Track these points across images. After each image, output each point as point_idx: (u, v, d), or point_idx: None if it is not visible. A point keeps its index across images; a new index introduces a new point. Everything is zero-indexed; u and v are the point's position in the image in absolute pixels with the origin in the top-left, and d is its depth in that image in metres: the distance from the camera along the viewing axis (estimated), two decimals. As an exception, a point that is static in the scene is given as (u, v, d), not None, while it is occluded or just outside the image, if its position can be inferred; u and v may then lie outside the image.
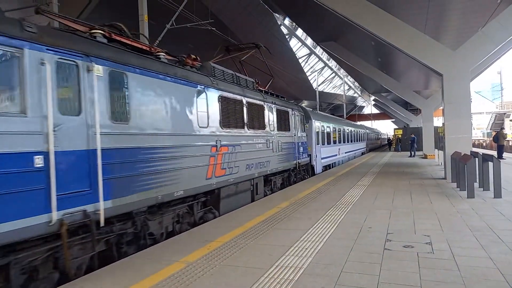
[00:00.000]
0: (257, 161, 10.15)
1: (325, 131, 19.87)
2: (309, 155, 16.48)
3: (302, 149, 14.79)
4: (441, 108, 14.39)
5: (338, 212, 7.77)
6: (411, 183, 12.26)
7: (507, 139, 28.49)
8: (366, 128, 44.45)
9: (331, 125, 21.75)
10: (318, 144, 17.94)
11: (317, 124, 18.03)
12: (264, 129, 10.83)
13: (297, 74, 38.23)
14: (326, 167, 20.13)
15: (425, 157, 25.56)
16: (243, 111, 9.49)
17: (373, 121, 76.64)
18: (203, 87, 7.70)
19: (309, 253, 5.03)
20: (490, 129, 64.54)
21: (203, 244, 5.59)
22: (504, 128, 27.33)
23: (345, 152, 26.03)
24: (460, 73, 12.27)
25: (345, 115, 46.49)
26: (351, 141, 29.36)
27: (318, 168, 17.89)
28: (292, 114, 13.75)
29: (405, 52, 13.03)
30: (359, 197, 9.58)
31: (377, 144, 55.99)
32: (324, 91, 53.85)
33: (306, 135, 16.12)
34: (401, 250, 5.09)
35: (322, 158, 18.71)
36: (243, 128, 9.41)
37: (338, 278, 4.11)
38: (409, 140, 29.73)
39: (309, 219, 7.15)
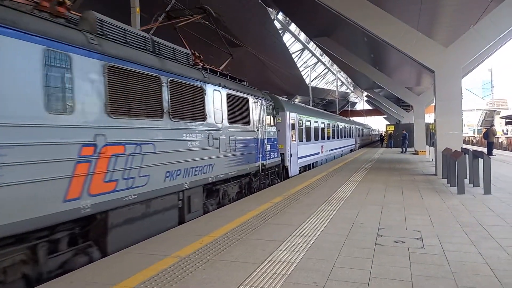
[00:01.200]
0: (189, 166, 7.33)
1: (304, 126, 17.46)
2: (282, 155, 14.09)
3: (270, 147, 12.22)
4: (433, 104, 14.51)
5: (330, 207, 7.80)
6: (402, 179, 12.35)
7: (496, 136, 28.89)
8: (356, 123, 43.15)
9: (312, 119, 19.32)
10: (294, 140, 15.55)
11: (293, 117, 15.62)
12: (203, 120, 7.98)
13: (290, 69, 38.19)
14: (306, 168, 17.89)
15: (416, 153, 25.80)
16: (161, 93, 6.58)
17: (365, 117, 77.02)
18: (65, 46, 4.80)
19: (302, 248, 5.05)
20: (480, 126, 65.29)
21: (196, 239, 5.58)
22: (494, 125, 27.64)
23: (330, 150, 23.79)
24: (452, 70, 12.36)
25: (337, 111, 46.59)
26: (338, 137, 27.21)
27: (293, 170, 15.36)
28: (254, 102, 11.01)
29: (397, 48, 13.07)
30: (351, 193, 9.63)
31: (368, 141, 55.31)
32: (317, 86, 53.95)
33: (279, 130, 13.81)
34: (393, 245, 5.13)
35: (299, 158, 16.31)
36: (160, 117, 6.53)
37: (330, 273, 4.13)
38: (400, 137, 29.98)
39: (302, 214, 7.17)
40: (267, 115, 12.31)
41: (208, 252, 4.96)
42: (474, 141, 45.88)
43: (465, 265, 4.30)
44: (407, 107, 50.82)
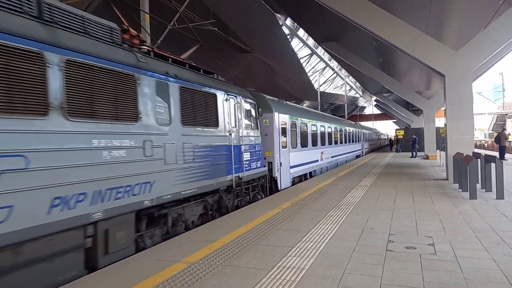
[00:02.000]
0: (104, 186, 5.20)
1: (299, 130, 15.12)
2: (270, 164, 12.19)
3: (250, 155, 10.06)
4: (443, 108, 14.37)
5: (340, 213, 7.74)
6: (413, 184, 12.22)
7: (508, 140, 28.46)
8: (363, 127, 39.99)
9: (310, 122, 16.95)
10: (285, 147, 13.21)
11: (283, 119, 13.22)
12: (134, 121, 5.87)
13: (298, 74, 38.22)
14: (302, 178, 15.57)
15: (427, 158, 25.54)
16: (44, 77, 4.43)
17: (374, 121, 76.59)
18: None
19: (311, 254, 5.01)
20: (492, 130, 64.41)
21: (205, 244, 5.57)
22: (506, 129, 27.26)
23: (332, 157, 21.32)
24: (463, 74, 12.24)
25: (346, 116, 46.36)
26: (342, 142, 24.84)
27: (284, 181, 12.94)
28: (225, 100, 8.85)
29: (406, 52, 13.00)
30: (361, 198, 9.55)
31: (377, 145, 52.91)
32: (326, 91, 53.84)
33: (266, 134, 12.05)
34: (404, 251, 5.06)
35: (292, 167, 13.95)
36: (44, 115, 4.41)
37: (341, 280, 4.09)
38: (410, 141, 29.71)
39: (311, 219, 7.13)
40: (248, 116, 10.20)
41: (217, 258, 4.95)
42: (486, 145, 45.27)
43: (478, 272, 4.22)
44: (417, 111, 50.46)
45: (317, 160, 17.87)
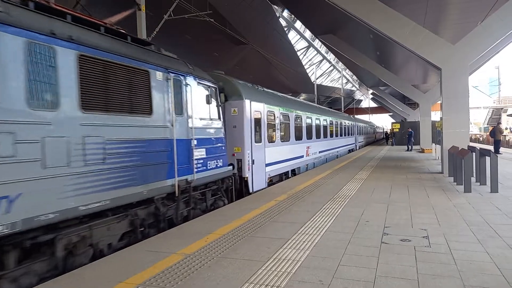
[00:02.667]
0: None
1: (279, 121, 12.96)
2: (240, 162, 10.26)
3: (206, 152, 8.17)
4: (439, 102, 14.41)
5: (335, 205, 7.78)
6: (408, 177, 12.29)
7: (503, 134, 28.62)
8: (357, 119, 37.85)
9: (293, 112, 14.70)
10: (259, 141, 11.14)
11: (257, 108, 11.05)
12: None
13: (295, 67, 38.14)
14: (283, 177, 13.49)
15: (422, 151, 25.65)
16: None
17: (370, 114, 76.72)
18: None
19: (307, 246, 5.04)
20: (487, 124, 64.74)
21: (201, 236, 5.59)
22: (501, 123, 27.36)
23: (320, 152, 19.25)
24: (459, 67, 12.25)
25: (343, 109, 46.39)
26: (333, 136, 22.93)
27: (257, 182, 10.90)
28: (165, 79, 6.90)
29: (403, 45, 12.98)
30: (357, 191, 9.59)
31: (372, 139, 51.21)
32: (322, 84, 53.79)
33: (235, 126, 10.26)
34: (398, 243, 5.10)
35: (268, 165, 11.81)
36: None
37: (336, 271, 4.12)
38: (406, 134, 29.82)
39: (307, 212, 7.16)
40: (204, 102, 8.15)
41: (214, 249, 4.96)
42: (481, 139, 45.54)
43: (472, 264, 4.27)
44: (413, 105, 50.59)
45: (302, 156, 15.86)
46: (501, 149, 22.74)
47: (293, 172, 14.75)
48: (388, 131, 48.57)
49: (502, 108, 63.30)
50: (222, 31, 19.10)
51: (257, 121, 11.15)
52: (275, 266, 4.32)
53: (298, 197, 8.78)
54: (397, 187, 10.08)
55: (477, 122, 78.22)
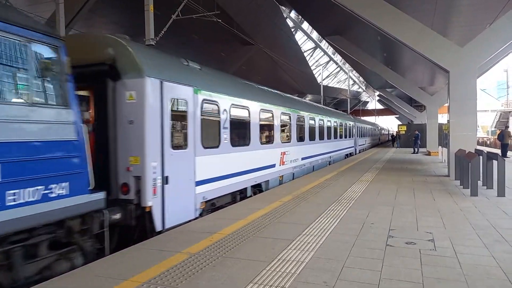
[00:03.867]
0: None
1: (227, 116, 8.82)
2: (137, 179, 6.08)
3: (13, 171, 4.03)
4: (446, 105, 14.31)
5: (340, 207, 7.76)
6: (414, 180, 12.22)
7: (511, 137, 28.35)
8: (358, 119, 32.93)
9: (254, 103, 10.35)
10: (182, 146, 7.15)
11: (177, 94, 7.05)
12: None
13: (302, 67, 38.11)
14: (237, 196, 9.53)
15: (429, 154, 25.52)
16: None
17: (377, 116, 76.39)
18: None
19: (311, 247, 5.04)
20: (495, 128, 64.15)
21: (206, 236, 5.61)
22: (508, 127, 27.13)
23: (304, 158, 14.96)
24: (467, 70, 12.17)
25: (349, 110, 46.19)
26: (324, 138, 18.43)
27: (174, 213, 6.70)
28: None
29: (411, 47, 12.91)
30: (362, 193, 9.56)
31: (375, 142, 46.87)
32: (329, 85, 53.71)
33: (131, 121, 6.19)
34: (404, 246, 5.08)
35: (204, 182, 7.72)
36: None
37: (340, 273, 4.11)
38: (413, 137, 29.66)
39: (311, 213, 7.15)
40: (26, 72, 4.40)
41: (218, 249, 4.98)
42: (488, 142, 45.18)
43: (477, 268, 4.24)
44: (420, 107, 50.22)
45: (273, 165, 11.68)
46: (509, 153, 22.54)
47: (258, 188, 10.83)
48: (395, 133, 48.14)
49: (510, 112, 62.65)
50: (229, 31, 19.14)
51: (179, 115, 7.12)
52: (279, 266, 4.33)
53: (303, 198, 8.77)
54: (402, 190, 10.03)
55: (484, 126, 77.51)
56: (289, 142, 13.24)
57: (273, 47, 28.50)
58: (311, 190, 10.00)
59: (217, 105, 8.41)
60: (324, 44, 38.74)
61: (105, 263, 4.52)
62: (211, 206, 8.22)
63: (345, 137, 24.50)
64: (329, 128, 19.69)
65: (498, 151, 21.20)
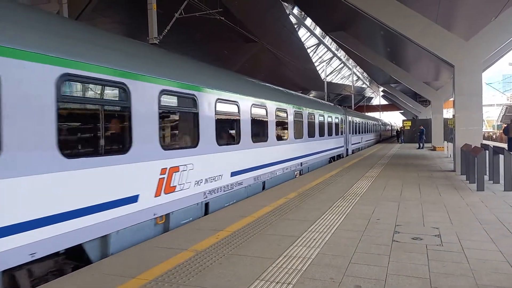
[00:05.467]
0: None
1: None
2: None
3: None
4: (452, 99, 14.22)
5: (346, 203, 7.75)
6: (419, 175, 12.18)
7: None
8: (351, 112, 26.48)
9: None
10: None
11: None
12: None
13: (305, 64, 37.98)
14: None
15: (434, 149, 25.39)
16: None
17: (381, 112, 76.11)
18: None
19: (317, 243, 5.04)
20: (501, 122, 63.70)
21: (212, 233, 5.63)
22: (515, 121, 26.91)
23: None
24: (472, 64, 12.08)
25: (353, 106, 46.04)
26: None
27: None
28: None
29: (416, 42, 12.83)
30: (367, 189, 9.54)
31: (376, 139, 42.14)
32: (333, 81, 53.51)
33: None
34: (410, 242, 5.07)
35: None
36: None
37: (347, 269, 4.11)
38: (418, 132, 29.52)
39: (317, 209, 7.15)
40: None
41: (224, 246, 4.99)
42: (494, 136, 44.89)
43: (485, 263, 4.22)
44: (425, 102, 49.96)
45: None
46: (515, 147, 22.35)
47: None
48: (399, 129, 47.82)
49: (516, 105, 62.12)
50: (232, 29, 19.11)
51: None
52: (286, 263, 4.33)
53: (308, 195, 8.77)
54: (408, 185, 10.00)
55: (490, 120, 76.92)
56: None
57: (276, 44, 28.41)
58: (316, 187, 9.99)
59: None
60: (327, 40, 38.60)
61: (112, 262, 4.55)
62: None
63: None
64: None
65: (504, 145, 21.05)
